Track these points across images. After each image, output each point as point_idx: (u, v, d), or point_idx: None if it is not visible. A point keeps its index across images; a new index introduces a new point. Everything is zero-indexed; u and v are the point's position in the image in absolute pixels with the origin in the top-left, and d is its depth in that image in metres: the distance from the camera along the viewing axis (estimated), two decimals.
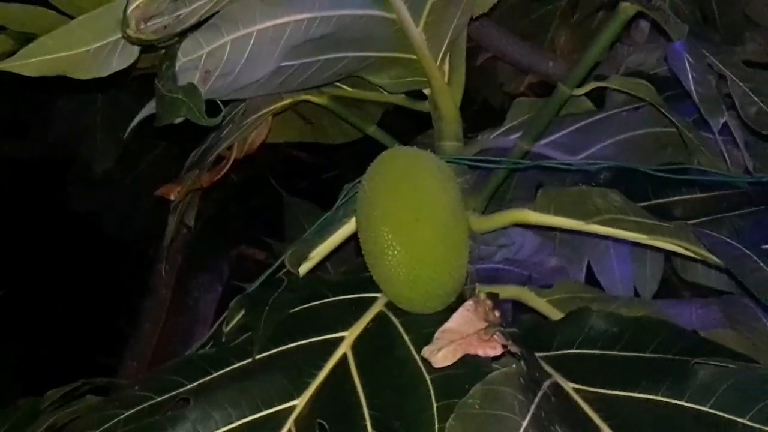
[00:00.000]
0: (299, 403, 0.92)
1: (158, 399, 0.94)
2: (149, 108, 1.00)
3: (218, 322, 1.02)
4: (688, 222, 1.11)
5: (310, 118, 1.29)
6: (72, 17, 0.95)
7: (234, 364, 0.96)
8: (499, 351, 0.90)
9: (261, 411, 0.92)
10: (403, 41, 1.06)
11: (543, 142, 1.25)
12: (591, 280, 1.26)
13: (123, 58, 0.93)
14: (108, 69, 0.93)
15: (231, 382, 0.94)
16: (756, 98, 0.95)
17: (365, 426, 0.89)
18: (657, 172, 1.02)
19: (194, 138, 1.23)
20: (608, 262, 1.26)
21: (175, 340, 2.31)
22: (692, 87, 0.95)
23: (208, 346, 1.02)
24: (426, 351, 0.90)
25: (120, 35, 0.88)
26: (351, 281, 1.05)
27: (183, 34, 0.91)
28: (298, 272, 1.03)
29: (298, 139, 1.37)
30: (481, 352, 0.89)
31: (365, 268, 1.03)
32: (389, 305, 1.01)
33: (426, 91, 1.16)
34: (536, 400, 0.87)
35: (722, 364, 0.89)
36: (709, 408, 0.87)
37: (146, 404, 0.94)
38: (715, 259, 0.92)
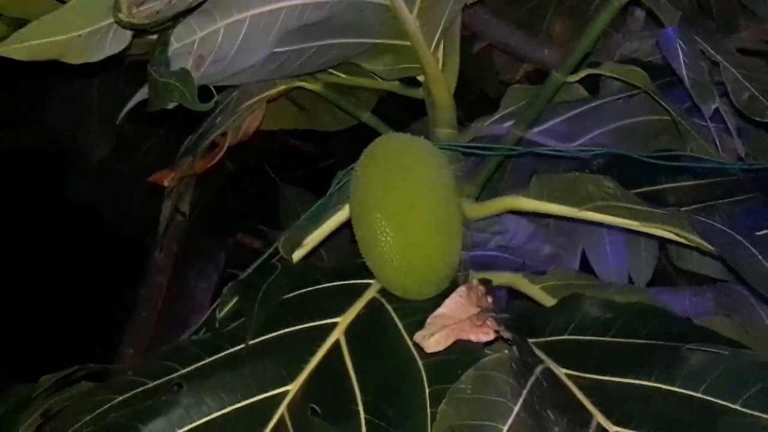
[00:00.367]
0: (292, 388, 0.93)
1: (151, 384, 0.94)
2: (142, 93, 1.00)
3: (212, 308, 1.02)
4: (681, 209, 1.12)
5: (305, 104, 1.29)
6: (64, 1, 0.95)
7: (227, 349, 0.96)
8: (491, 336, 0.90)
9: (254, 396, 0.92)
10: (397, 28, 1.06)
11: (537, 129, 1.25)
12: (586, 267, 1.26)
13: (115, 42, 0.93)
14: (100, 54, 0.93)
15: (224, 368, 0.94)
16: (748, 84, 0.95)
17: (357, 411, 0.90)
18: (650, 159, 1.03)
19: (191, 127, 1.23)
20: (602, 250, 1.26)
21: (172, 328, 2.31)
22: (684, 73, 0.95)
23: (202, 332, 1.03)
24: (418, 336, 0.90)
25: (112, 20, 0.88)
26: (344, 267, 1.05)
27: (176, 20, 0.91)
28: (292, 258, 1.03)
29: (293, 126, 1.37)
30: (473, 338, 0.90)
31: (359, 254, 1.03)
32: (382, 291, 1.01)
33: (420, 78, 1.16)
34: (528, 385, 0.88)
35: (714, 350, 0.90)
36: (701, 393, 0.87)
37: (139, 389, 0.94)
38: (708, 246, 0.92)
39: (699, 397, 0.87)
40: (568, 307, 1.00)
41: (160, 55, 0.90)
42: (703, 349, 0.90)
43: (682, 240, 0.99)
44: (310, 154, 2.48)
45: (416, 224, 0.98)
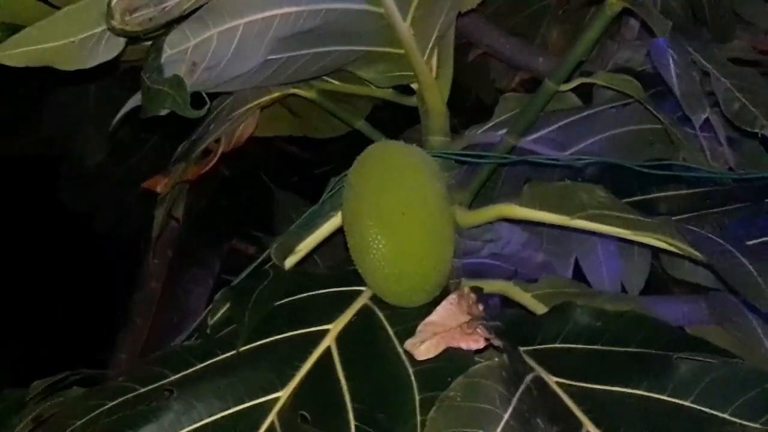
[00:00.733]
0: (283, 395, 0.93)
1: (142, 390, 0.94)
2: (135, 99, 1.00)
3: (204, 314, 1.02)
4: (673, 218, 1.12)
5: (299, 111, 1.29)
6: (58, 8, 0.95)
7: (218, 355, 0.97)
8: (481, 344, 0.91)
9: (245, 402, 0.92)
10: (391, 36, 1.06)
11: (531, 138, 1.25)
12: (579, 276, 1.27)
13: (109, 49, 0.93)
14: (94, 60, 0.93)
15: (215, 374, 0.95)
16: (739, 94, 0.95)
17: (348, 418, 0.90)
18: (642, 168, 1.03)
19: (186, 133, 1.23)
20: (595, 259, 1.26)
21: (166, 334, 2.30)
22: (675, 83, 0.96)
23: (194, 338, 1.03)
24: (408, 343, 0.91)
25: (105, 27, 0.88)
26: (337, 274, 1.05)
27: (169, 26, 0.92)
28: (284, 265, 1.03)
29: (287, 133, 1.37)
30: (463, 345, 0.90)
31: (351, 261, 1.03)
32: (374, 299, 1.02)
33: (414, 86, 1.16)
34: (518, 394, 0.88)
35: (704, 360, 0.90)
36: (691, 402, 0.88)
37: (130, 395, 0.94)
38: (699, 255, 0.92)
39: (688, 406, 0.87)
40: (559, 316, 1.00)
41: (153, 62, 0.90)
42: (693, 358, 0.90)
43: (673, 249, 1.00)
44: (305, 161, 2.48)
45: (408, 232, 0.98)
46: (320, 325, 0.99)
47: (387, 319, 0.99)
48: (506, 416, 0.85)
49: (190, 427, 0.91)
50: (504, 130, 1.19)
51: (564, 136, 1.26)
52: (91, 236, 2.64)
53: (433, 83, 1.11)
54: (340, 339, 0.98)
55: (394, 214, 0.98)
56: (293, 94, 1.20)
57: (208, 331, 1.01)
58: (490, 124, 1.23)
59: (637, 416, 0.88)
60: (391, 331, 0.97)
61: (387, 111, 1.38)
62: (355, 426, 0.89)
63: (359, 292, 1.03)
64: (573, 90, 1.23)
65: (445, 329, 0.90)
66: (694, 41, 0.98)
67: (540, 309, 1.10)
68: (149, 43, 0.94)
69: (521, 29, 1.90)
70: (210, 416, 0.91)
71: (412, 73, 1.11)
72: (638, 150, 1.22)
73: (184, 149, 1.17)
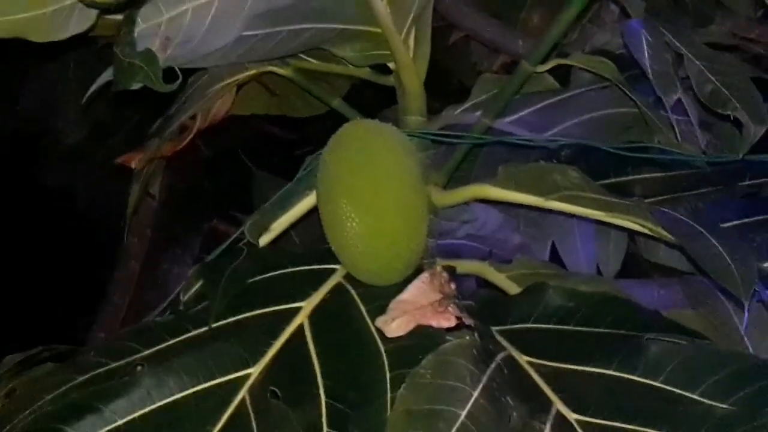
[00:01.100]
0: (254, 371, 0.93)
1: (113, 365, 0.94)
2: (108, 74, 1.00)
3: (176, 291, 1.02)
4: (648, 201, 1.13)
5: (276, 89, 1.29)
6: None
7: (191, 332, 0.97)
8: (452, 322, 0.91)
9: (216, 378, 0.92)
10: (368, 14, 1.06)
11: (509, 119, 1.25)
12: (556, 258, 1.27)
13: (80, 21, 0.92)
14: (65, 32, 0.92)
15: (187, 350, 0.95)
16: (712, 77, 0.95)
17: (318, 395, 0.90)
18: (617, 150, 1.03)
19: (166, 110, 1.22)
20: (572, 241, 1.26)
21: (144, 313, 2.29)
22: (647, 64, 0.95)
23: (167, 314, 1.03)
24: (379, 321, 0.91)
25: None
26: (311, 252, 1.05)
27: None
28: (258, 243, 1.03)
29: (265, 111, 1.37)
30: (434, 323, 0.90)
31: (326, 239, 1.03)
32: (348, 277, 1.02)
33: (391, 65, 1.16)
34: (488, 372, 0.88)
35: (674, 341, 0.91)
36: (660, 383, 0.88)
37: (101, 369, 0.94)
38: (671, 237, 0.93)
39: (658, 386, 0.88)
40: (531, 296, 1.01)
41: (125, 36, 0.89)
42: (663, 339, 0.91)
43: (646, 231, 1.00)
44: (287, 141, 2.47)
45: (381, 210, 0.98)
46: (293, 302, 0.99)
47: (360, 297, 0.99)
48: (476, 394, 0.85)
49: (161, 402, 0.90)
50: (481, 111, 1.19)
51: (542, 118, 1.26)
52: (71, 214, 2.63)
53: (409, 63, 1.10)
54: (313, 316, 0.98)
55: (368, 193, 0.98)
56: (270, 72, 1.19)
57: (181, 307, 1.01)
58: (467, 105, 1.23)
59: (607, 396, 0.89)
60: (363, 309, 0.97)
61: (366, 90, 1.38)
62: (326, 402, 0.89)
63: (333, 270, 1.03)
64: (553, 74, 1.23)
65: (416, 307, 0.90)
66: (669, 24, 0.98)
67: (514, 289, 1.10)
68: (122, 16, 0.93)
69: (502, 12, 1.89)
70: (181, 391, 0.91)
71: (388, 53, 1.11)
72: (616, 133, 1.22)
73: (158, 125, 1.16)
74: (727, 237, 0.91)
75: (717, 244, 0.88)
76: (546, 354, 0.94)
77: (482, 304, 1.02)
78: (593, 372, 0.91)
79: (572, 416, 0.87)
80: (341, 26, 1.08)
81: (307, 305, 0.99)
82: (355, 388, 0.90)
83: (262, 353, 0.94)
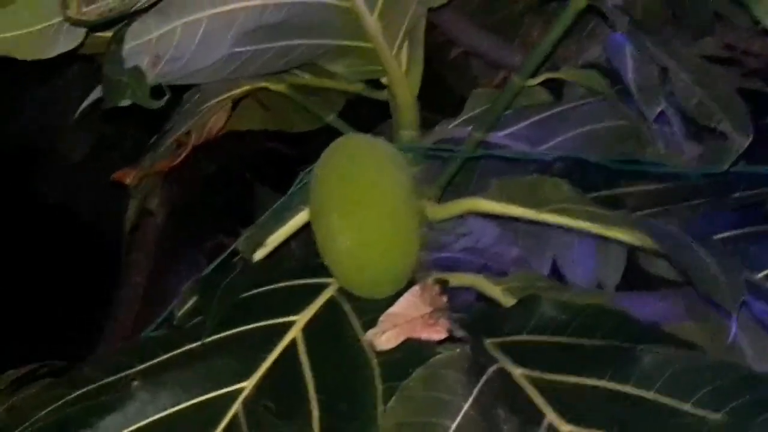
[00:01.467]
0: (248, 385, 0.93)
1: (107, 380, 0.94)
2: (97, 92, 1.01)
3: (171, 306, 1.03)
4: (641, 213, 1.13)
5: (270, 105, 1.30)
6: None
7: (185, 346, 0.97)
8: (443, 335, 0.91)
9: (210, 392, 0.93)
10: (358, 30, 1.06)
11: (503, 133, 1.26)
12: (556, 272, 1.27)
13: (68, 39, 0.93)
14: (53, 50, 0.93)
15: (181, 364, 0.95)
16: (697, 89, 0.96)
17: (311, 408, 0.91)
18: (608, 164, 1.04)
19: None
20: (572, 254, 1.26)
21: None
22: (631, 77, 0.96)
23: (161, 329, 1.03)
24: (369, 334, 0.92)
25: None
26: (304, 266, 1.06)
27: (132, 16, 0.92)
28: (252, 258, 1.04)
29: (261, 127, 1.38)
30: (424, 336, 0.91)
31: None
32: (341, 291, 1.02)
33: (384, 80, 1.16)
34: (479, 384, 0.88)
35: (667, 352, 0.91)
36: (653, 394, 0.88)
37: (95, 385, 0.94)
38: (660, 248, 0.93)
39: (650, 397, 0.88)
40: (525, 308, 1.01)
41: (114, 53, 0.90)
42: (656, 350, 0.91)
43: (638, 243, 1.00)
44: (288, 157, 2.48)
45: (372, 225, 0.99)
46: (287, 316, 0.99)
47: (352, 311, 0.99)
48: (466, 406, 0.86)
49: (155, 417, 0.91)
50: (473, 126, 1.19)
51: (537, 131, 1.27)
52: (74, 230, 2.64)
53: (402, 78, 1.11)
54: (306, 330, 0.98)
55: (358, 207, 0.99)
56: (264, 88, 1.20)
57: (175, 322, 1.01)
58: (461, 119, 1.23)
59: (600, 407, 0.89)
60: (356, 323, 0.98)
61: (363, 105, 1.39)
62: (318, 416, 0.90)
63: (326, 284, 1.03)
64: (548, 87, 1.24)
65: (407, 320, 0.91)
66: (655, 36, 0.99)
67: (510, 302, 1.10)
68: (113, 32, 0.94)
69: (502, 27, 1.90)
70: (175, 405, 0.92)
71: (381, 68, 1.11)
72: (611, 146, 1.22)
73: (153, 141, 1.17)
74: (717, 249, 0.91)
75: (705, 256, 0.88)
76: (539, 365, 0.94)
77: (477, 316, 1.02)
78: (586, 383, 0.91)
79: (565, 428, 0.87)
80: (332, 42, 1.09)
81: (301, 319, 0.99)
82: (347, 401, 0.91)
83: (256, 367, 0.95)
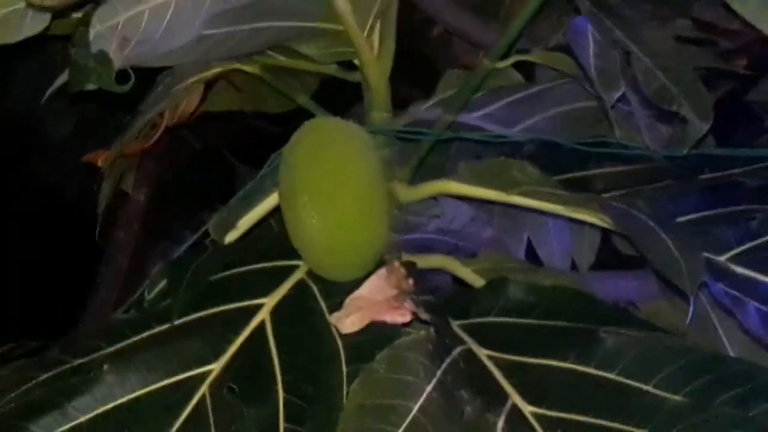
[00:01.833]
0: (215, 367, 0.95)
1: (77, 362, 0.96)
2: (65, 76, 1.01)
3: (142, 288, 1.04)
4: (608, 194, 1.14)
5: (243, 87, 1.30)
6: None
7: (154, 328, 0.98)
8: (407, 318, 0.92)
9: (178, 375, 0.94)
10: (329, 12, 1.06)
11: (478, 114, 1.26)
12: (532, 251, 1.28)
13: (34, 24, 0.94)
14: (18, 35, 0.93)
15: (150, 346, 0.96)
16: (659, 73, 0.96)
17: (276, 389, 0.92)
18: (575, 146, 1.04)
19: None
20: (546, 234, 1.27)
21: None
22: (591, 62, 0.96)
23: (131, 311, 1.04)
24: (334, 317, 0.92)
25: None
26: (274, 249, 1.07)
27: (98, 0, 0.92)
28: (223, 240, 1.04)
29: (238, 107, 1.38)
30: (389, 319, 0.92)
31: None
32: (310, 273, 1.03)
33: (356, 62, 1.17)
34: (443, 366, 0.89)
35: (630, 334, 0.92)
36: (615, 375, 0.89)
37: (65, 367, 0.96)
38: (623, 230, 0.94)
39: (613, 379, 0.89)
40: (493, 290, 1.02)
41: (81, 37, 0.91)
42: (619, 332, 0.92)
43: (606, 225, 1.01)
44: (273, 135, 2.48)
45: (340, 207, 1.00)
46: (256, 298, 1.01)
47: (320, 293, 1.00)
48: (429, 388, 0.87)
49: (123, 399, 0.92)
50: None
51: (511, 112, 1.27)
52: (59, 207, 2.64)
53: (373, 60, 1.11)
54: (275, 312, 0.99)
55: (326, 190, 0.99)
56: (237, 69, 1.20)
57: (145, 304, 1.02)
58: (433, 101, 1.24)
59: (563, 388, 0.90)
60: (323, 305, 0.99)
61: (338, 86, 1.39)
62: (284, 397, 0.91)
63: (296, 267, 1.04)
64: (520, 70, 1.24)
65: (371, 303, 0.92)
66: (618, 19, 0.99)
67: (480, 283, 1.11)
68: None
69: (484, 6, 1.89)
70: (143, 387, 0.93)
71: (353, 50, 1.11)
72: (584, 127, 1.23)
73: (125, 123, 1.17)
74: (678, 231, 0.92)
75: (666, 238, 0.89)
76: (505, 347, 0.95)
77: (446, 298, 1.03)
78: (551, 365, 0.92)
79: (527, 408, 0.89)
80: (303, 24, 1.09)
81: (270, 301, 1.00)
82: (313, 383, 0.92)
83: (224, 349, 0.96)
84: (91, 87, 0.91)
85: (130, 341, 0.97)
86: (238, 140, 2.36)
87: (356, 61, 1.17)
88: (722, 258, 1.00)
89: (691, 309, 0.87)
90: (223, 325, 0.98)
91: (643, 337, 0.92)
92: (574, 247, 1.28)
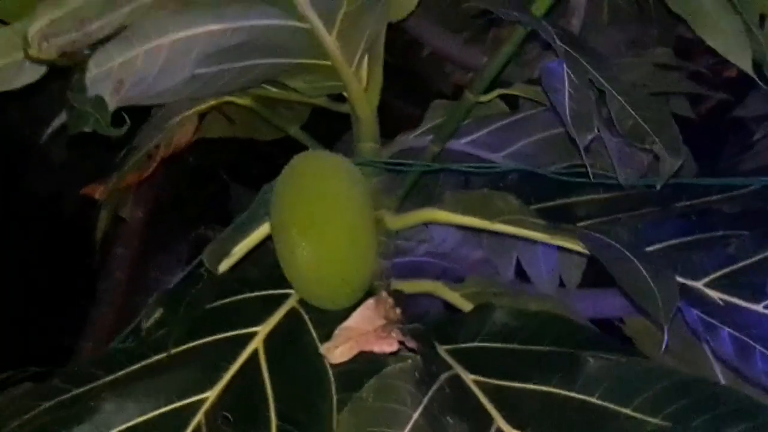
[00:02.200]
0: (210, 395, 0.97)
1: (77, 391, 0.98)
2: (62, 117, 1.04)
3: (139, 318, 1.07)
4: (590, 221, 1.17)
5: (236, 118, 1.33)
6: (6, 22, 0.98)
7: (151, 357, 1.01)
8: (395, 347, 0.95)
9: (174, 402, 0.97)
10: (318, 49, 1.09)
11: (465, 140, 1.30)
12: (521, 270, 1.31)
13: (32, 72, 0.97)
14: (17, 82, 0.97)
15: (147, 375, 0.99)
16: (633, 111, 0.99)
17: (270, 417, 0.95)
18: (553, 175, 1.08)
19: None
20: (535, 255, 1.30)
21: (133, 321, 2.33)
22: (566, 104, 0.99)
23: (128, 340, 1.07)
24: (325, 347, 0.96)
25: None
26: (267, 277, 1.10)
27: (93, 47, 0.95)
28: (217, 270, 1.07)
29: (231, 135, 1.41)
30: (376, 349, 0.95)
31: None
32: (302, 302, 1.07)
33: (345, 94, 1.20)
34: (430, 393, 0.93)
35: (610, 358, 0.95)
36: (597, 399, 0.92)
37: (65, 396, 0.98)
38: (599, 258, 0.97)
39: (594, 402, 0.92)
40: (479, 315, 1.06)
41: (77, 81, 0.94)
42: (600, 356, 0.95)
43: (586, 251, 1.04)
44: (267, 154, 2.50)
45: (329, 238, 1.03)
46: (249, 327, 1.04)
47: (312, 322, 1.03)
48: (416, 415, 0.90)
49: (122, 426, 0.95)
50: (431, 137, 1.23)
51: (497, 139, 1.31)
52: (58, 223, 2.66)
53: (361, 93, 1.14)
54: (268, 341, 1.02)
55: (315, 221, 1.03)
56: (229, 102, 1.23)
57: (142, 334, 1.05)
58: (420, 131, 1.27)
59: (546, 412, 0.93)
60: (315, 334, 1.02)
61: (327, 116, 1.42)
62: (276, 425, 0.94)
63: (288, 295, 1.07)
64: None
65: (360, 333, 0.95)
66: (592, 58, 1.02)
67: (468, 307, 1.15)
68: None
69: (471, 29, 1.93)
70: (141, 415, 0.96)
71: (341, 83, 1.15)
72: (568, 153, 1.26)
73: (122, 157, 1.20)
74: (653, 260, 0.95)
75: (640, 267, 0.92)
76: (491, 372, 0.98)
77: (434, 324, 1.07)
78: (534, 389, 0.95)
79: None
80: (292, 60, 1.12)
81: (262, 330, 1.03)
82: (305, 411, 0.95)
83: (219, 378, 0.99)
84: (87, 130, 0.95)
85: (128, 370, 1.00)
86: (233, 159, 2.39)
87: (345, 93, 1.20)
88: (699, 283, 1.03)
89: (665, 338, 0.90)
90: (218, 354, 1.01)
91: (624, 361, 0.95)
92: (562, 266, 1.31)
